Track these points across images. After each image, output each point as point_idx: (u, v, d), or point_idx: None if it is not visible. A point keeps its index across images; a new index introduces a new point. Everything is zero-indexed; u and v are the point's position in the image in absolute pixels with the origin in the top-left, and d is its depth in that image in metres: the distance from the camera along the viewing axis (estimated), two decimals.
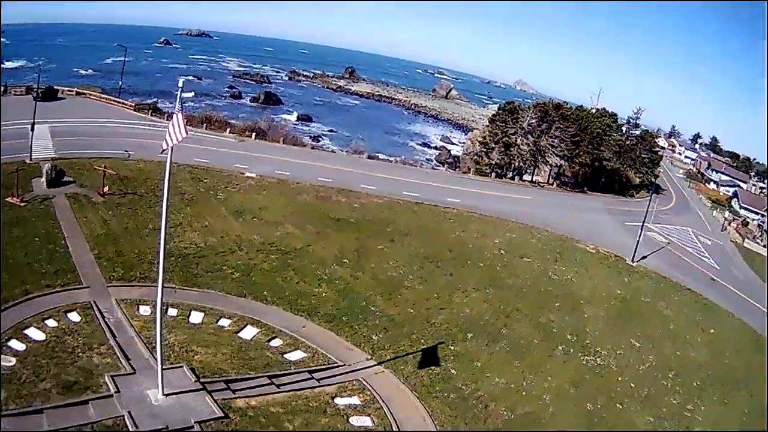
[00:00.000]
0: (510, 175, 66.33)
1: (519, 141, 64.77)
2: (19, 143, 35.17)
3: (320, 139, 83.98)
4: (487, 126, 73.50)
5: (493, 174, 63.79)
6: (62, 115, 48.01)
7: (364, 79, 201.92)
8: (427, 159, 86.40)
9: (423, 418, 17.97)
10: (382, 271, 28.53)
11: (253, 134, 55.96)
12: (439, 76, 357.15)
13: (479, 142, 72.37)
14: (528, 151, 64.66)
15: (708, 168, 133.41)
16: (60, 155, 36.49)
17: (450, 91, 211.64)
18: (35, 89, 46.96)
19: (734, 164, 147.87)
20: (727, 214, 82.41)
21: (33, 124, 35.74)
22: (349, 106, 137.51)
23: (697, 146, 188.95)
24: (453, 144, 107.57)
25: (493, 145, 66.17)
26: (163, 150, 13.94)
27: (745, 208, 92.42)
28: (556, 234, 43.57)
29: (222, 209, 32.58)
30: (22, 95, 51.47)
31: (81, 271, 21.57)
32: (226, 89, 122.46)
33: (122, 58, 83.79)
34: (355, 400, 17.67)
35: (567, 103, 77.77)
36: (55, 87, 60.31)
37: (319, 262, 27.66)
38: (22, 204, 27.16)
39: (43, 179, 30.25)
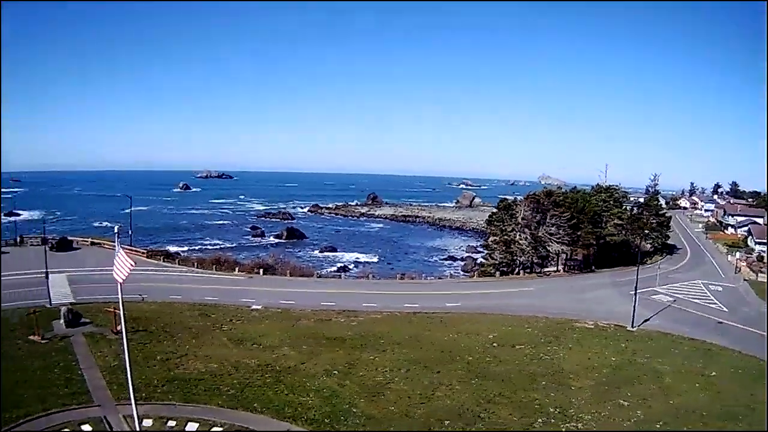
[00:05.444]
0: (516, 270, 68.53)
1: (518, 237, 67.94)
2: (39, 290, 42.02)
3: (347, 268, 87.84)
4: (487, 227, 77.56)
5: (498, 273, 66.27)
6: (78, 264, 55.24)
7: (386, 203, 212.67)
8: (453, 272, 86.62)
9: None
10: (369, 377, 31.09)
11: (261, 270, 60.77)
12: (464, 187, 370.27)
13: (482, 245, 75.97)
14: (528, 244, 67.47)
15: (725, 215, 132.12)
16: (78, 300, 42.51)
17: (473, 199, 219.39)
18: (50, 240, 53.52)
19: (755, 203, 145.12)
20: (737, 254, 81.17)
21: (47, 273, 43.57)
22: (372, 231, 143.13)
23: (716, 197, 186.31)
24: (478, 252, 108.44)
25: (494, 246, 69.49)
26: (121, 283, 18.20)
27: (759, 243, 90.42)
28: (554, 318, 44.95)
29: (224, 339, 36.46)
30: (38, 246, 56.59)
31: (94, 394, 25.32)
32: (248, 229, 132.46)
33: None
34: None
35: (560, 188, 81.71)
36: (69, 238, 68.78)
37: (309, 376, 30.55)
38: (43, 341, 32.29)
39: (62, 321, 35.67)
